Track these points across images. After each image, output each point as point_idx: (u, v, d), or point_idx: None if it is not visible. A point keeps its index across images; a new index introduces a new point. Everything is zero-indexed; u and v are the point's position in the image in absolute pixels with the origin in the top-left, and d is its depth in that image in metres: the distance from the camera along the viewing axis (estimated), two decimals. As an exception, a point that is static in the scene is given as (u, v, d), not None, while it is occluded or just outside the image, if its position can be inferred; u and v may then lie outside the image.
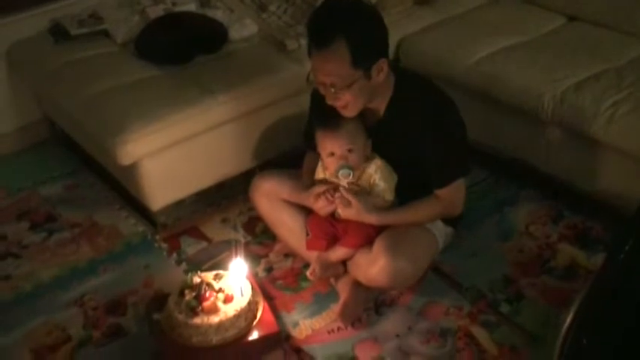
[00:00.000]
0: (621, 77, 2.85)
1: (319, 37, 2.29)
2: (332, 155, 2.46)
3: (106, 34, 3.45)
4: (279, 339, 2.39)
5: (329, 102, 2.38)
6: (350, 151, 2.44)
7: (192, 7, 3.50)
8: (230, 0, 3.56)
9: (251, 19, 3.45)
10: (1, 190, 3.47)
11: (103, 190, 3.41)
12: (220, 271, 2.47)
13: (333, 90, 2.33)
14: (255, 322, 2.36)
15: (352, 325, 2.58)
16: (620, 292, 2.04)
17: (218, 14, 3.42)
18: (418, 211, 2.54)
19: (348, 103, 2.37)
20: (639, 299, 2.01)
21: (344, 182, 2.45)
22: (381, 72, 2.35)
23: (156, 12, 3.43)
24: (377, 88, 2.39)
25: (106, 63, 3.26)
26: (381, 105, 2.46)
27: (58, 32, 3.47)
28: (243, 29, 3.36)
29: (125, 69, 3.19)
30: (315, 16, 2.36)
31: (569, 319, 2.06)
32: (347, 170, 2.43)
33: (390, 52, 3.28)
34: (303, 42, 3.21)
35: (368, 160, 2.50)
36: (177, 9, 3.47)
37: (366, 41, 2.29)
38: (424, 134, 2.41)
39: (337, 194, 2.46)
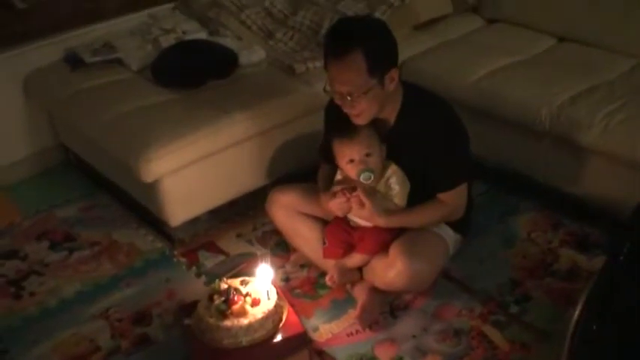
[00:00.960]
0: (613, 90, 3.05)
1: (337, 48, 2.46)
2: (351, 162, 2.61)
3: (119, 62, 3.60)
4: (304, 339, 2.52)
5: (345, 110, 2.54)
6: (368, 155, 2.59)
7: (202, 36, 3.67)
8: (238, 29, 3.73)
9: (259, 45, 3.62)
10: (19, 212, 3.58)
11: (119, 210, 3.53)
12: (246, 277, 2.60)
13: (349, 98, 2.49)
14: (281, 324, 2.48)
15: (370, 327, 2.71)
16: (623, 286, 2.20)
17: (227, 42, 3.59)
18: (423, 214, 2.68)
19: (363, 111, 2.53)
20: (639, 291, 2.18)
21: (365, 184, 2.59)
22: (393, 81, 2.52)
23: (168, 40, 3.60)
24: (388, 96, 2.56)
25: (123, 88, 3.41)
26: (391, 114, 2.63)
27: (73, 61, 3.61)
28: (252, 55, 3.53)
29: (142, 94, 3.34)
30: (333, 31, 2.54)
31: (578, 310, 2.22)
32: (368, 173, 2.57)
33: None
34: (311, 65, 3.40)
35: (384, 165, 2.65)
36: (188, 37, 3.64)
37: (380, 51, 2.47)
38: (430, 141, 2.57)
39: (355, 193, 2.59)
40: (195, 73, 3.36)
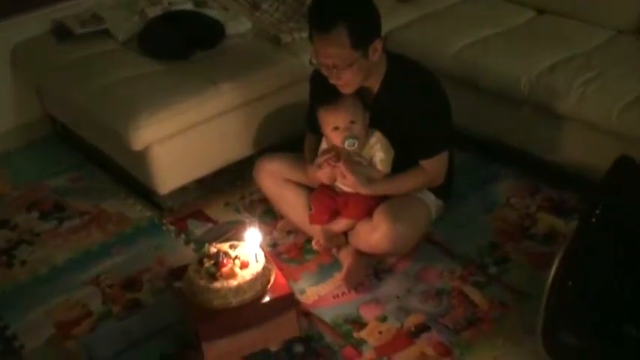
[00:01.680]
0: (590, 60, 3.13)
1: (321, 23, 2.52)
2: (336, 129, 2.68)
3: (107, 33, 3.64)
4: (292, 300, 2.59)
5: (331, 81, 2.61)
6: (352, 122, 2.66)
7: (188, 7, 3.71)
8: (224, 0, 3.77)
9: (245, 16, 3.67)
10: (8, 183, 3.63)
11: (108, 181, 3.59)
12: (235, 242, 2.67)
13: (335, 70, 2.56)
14: (269, 286, 2.56)
15: (355, 289, 2.80)
16: (595, 247, 2.30)
17: (213, 13, 3.64)
18: (405, 181, 2.77)
19: (348, 82, 2.61)
20: (610, 250, 2.27)
21: (350, 151, 2.67)
22: (377, 51, 2.59)
23: (154, 12, 3.64)
24: (373, 66, 2.63)
25: (111, 59, 3.46)
26: (375, 83, 2.70)
27: (62, 32, 3.65)
28: (238, 26, 3.58)
29: (129, 64, 3.39)
30: (316, 4, 2.60)
31: (553, 269, 2.32)
32: (352, 140, 2.65)
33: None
34: (297, 36, 3.46)
35: (368, 133, 2.73)
36: (174, 8, 3.68)
37: (364, 24, 2.54)
38: (413, 109, 2.65)
39: (338, 164, 2.67)
40: (182, 44, 3.41)
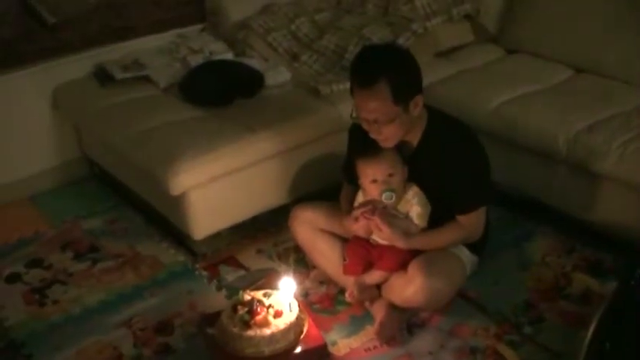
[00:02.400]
0: (629, 120, 3.13)
1: (364, 77, 2.55)
2: (374, 182, 2.69)
3: (147, 79, 3.71)
4: (324, 351, 2.58)
5: (372, 136, 2.63)
6: (391, 175, 2.68)
7: (229, 56, 3.78)
8: (264, 50, 3.84)
9: (284, 67, 3.72)
10: (44, 222, 3.68)
11: (143, 224, 3.62)
12: (269, 290, 2.67)
13: (376, 125, 2.58)
14: (302, 336, 2.55)
15: (387, 343, 2.78)
16: (634, 309, 2.27)
17: (253, 63, 3.70)
18: (442, 236, 2.76)
19: (389, 137, 2.63)
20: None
21: (386, 204, 2.68)
22: (417, 106, 2.62)
23: (196, 60, 3.71)
24: (413, 120, 2.65)
25: (151, 104, 3.52)
26: (415, 137, 2.72)
27: (103, 76, 3.73)
28: (277, 76, 3.63)
29: (170, 110, 3.45)
30: (358, 59, 2.63)
31: (590, 331, 2.29)
32: (390, 193, 2.67)
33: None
34: (335, 88, 3.49)
35: (406, 187, 2.74)
36: (215, 58, 3.75)
37: (405, 80, 2.57)
38: (452, 164, 2.65)
39: (374, 217, 2.67)
40: (223, 92, 3.47)
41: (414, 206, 2.72)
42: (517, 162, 3.34)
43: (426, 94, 3.49)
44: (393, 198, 2.67)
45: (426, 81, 3.54)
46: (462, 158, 2.67)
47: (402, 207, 2.74)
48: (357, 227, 2.76)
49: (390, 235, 2.68)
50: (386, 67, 2.53)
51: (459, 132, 2.73)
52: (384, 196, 2.67)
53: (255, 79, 3.54)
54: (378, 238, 2.78)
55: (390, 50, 2.75)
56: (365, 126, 2.63)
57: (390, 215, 2.70)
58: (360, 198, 2.82)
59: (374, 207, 2.69)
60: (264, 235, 3.45)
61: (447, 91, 3.56)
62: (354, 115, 2.65)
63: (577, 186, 3.16)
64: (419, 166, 2.73)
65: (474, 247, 2.87)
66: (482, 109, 3.39)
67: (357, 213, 2.74)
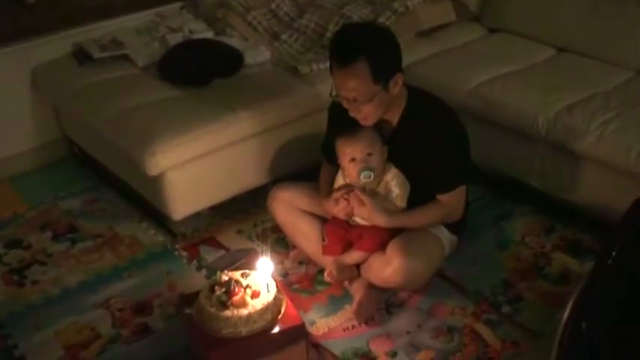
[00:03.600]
0: (608, 100, 3.13)
1: (342, 57, 2.53)
2: (353, 161, 2.68)
3: (126, 58, 3.68)
4: (302, 331, 2.57)
5: (351, 114, 2.62)
6: (369, 154, 2.67)
7: (209, 35, 3.75)
8: (244, 29, 3.81)
9: (264, 46, 3.69)
10: (23, 203, 3.65)
11: (122, 204, 3.60)
12: (247, 270, 2.66)
13: (355, 103, 2.57)
14: (280, 316, 2.54)
15: (366, 322, 2.78)
16: (610, 289, 2.27)
17: (233, 42, 3.67)
18: (423, 215, 2.76)
19: (368, 115, 2.62)
20: (625, 293, 2.25)
21: (364, 183, 2.68)
22: (397, 85, 2.60)
23: (175, 39, 3.68)
24: (393, 99, 2.64)
25: (129, 84, 3.49)
26: (394, 116, 2.71)
27: (81, 55, 3.69)
28: (257, 55, 3.60)
29: (148, 89, 3.42)
30: (338, 38, 2.62)
31: (568, 310, 2.29)
32: (368, 172, 2.65)
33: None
34: (315, 67, 3.47)
35: (385, 168, 2.73)
36: (195, 37, 3.72)
37: (385, 58, 2.55)
38: (432, 143, 2.65)
39: (353, 192, 2.68)
40: (202, 71, 3.44)
41: (394, 187, 2.72)
42: (497, 142, 3.33)
43: (407, 74, 3.48)
44: (372, 177, 2.67)
45: (407, 60, 3.54)
46: (442, 137, 2.66)
47: (381, 188, 2.73)
48: (337, 210, 2.75)
49: (371, 209, 2.67)
50: (365, 46, 2.51)
51: (438, 110, 2.72)
52: (362, 174, 2.66)
53: (235, 59, 3.51)
54: (358, 217, 2.77)
55: (369, 28, 2.73)
56: (344, 104, 2.61)
57: (369, 194, 2.70)
58: (339, 178, 2.81)
59: (353, 189, 2.69)
60: (244, 215, 3.44)
61: (427, 71, 3.55)
62: (333, 93, 2.63)
63: (556, 166, 3.16)
64: (399, 145, 2.72)
65: (453, 226, 2.88)
66: (463, 89, 3.38)
67: (336, 195, 2.73)
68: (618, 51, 3.48)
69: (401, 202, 2.73)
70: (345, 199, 2.70)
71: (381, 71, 2.53)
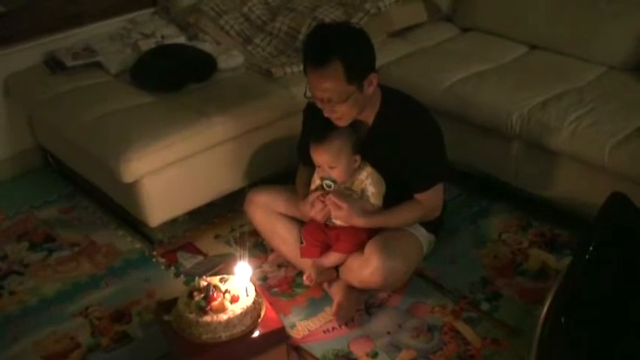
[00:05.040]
0: (582, 96, 3.15)
1: (316, 57, 2.53)
2: (319, 167, 2.72)
3: (99, 65, 3.65)
4: (282, 334, 2.57)
5: (325, 114, 2.62)
6: (332, 167, 2.69)
7: (181, 40, 3.74)
8: (217, 34, 3.79)
9: (237, 50, 3.69)
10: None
11: (98, 212, 3.58)
12: (225, 275, 2.65)
13: (329, 104, 2.57)
14: (260, 320, 2.54)
15: (346, 324, 2.78)
16: (588, 284, 2.29)
17: (206, 46, 3.66)
18: (401, 214, 2.76)
19: (343, 115, 2.62)
20: (603, 287, 2.26)
21: (327, 191, 2.71)
22: (372, 85, 2.61)
23: (148, 44, 3.66)
24: (367, 99, 2.64)
25: (103, 91, 3.46)
26: (369, 116, 2.71)
27: (54, 64, 3.66)
28: (230, 60, 3.59)
29: (121, 96, 3.40)
30: (311, 39, 2.62)
31: (546, 305, 2.30)
32: (328, 182, 2.70)
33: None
34: (288, 70, 3.48)
35: (359, 168, 2.73)
36: (167, 42, 3.70)
37: (358, 59, 2.55)
38: (407, 142, 2.66)
39: (328, 197, 2.68)
40: (174, 77, 3.42)
41: (368, 186, 2.72)
42: (471, 140, 3.35)
43: (381, 75, 3.48)
44: (332, 187, 2.70)
45: (380, 61, 3.57)
46: (418, 136, 2.67)
47: (356, 187, 2.74)
48: (314, 212, 2.75)
49: (349, 212, 2.67)
50: (339, 46, 2.51)
51: (413, 109, 2.73)
52: (324, 182, 2.70)
53: (208, 63, 3.50)
54: (336, 219, 2.77)
55: (343, 29, 2.72)
56: (319, 104, 2.61)
57: (344, 196, 2.70)
58: (316, 179, 2.81)
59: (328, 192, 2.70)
60: (222, 220, 3.43)
61: (400, 71, 3.56)
62: (308, 94, 2.63)
63: (531, 163, 3.18)
64: (375, 144, 2.73)
65: (430, 225, 2.89)
66: (436, 88, 3.39)
67: (312, 198, 2.74)
68: (590, 47, 3.51)
69: (376, 201, 2.74)
70: (322, 202, 2.70)
71: (355, 71, 2.53)
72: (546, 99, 3.16)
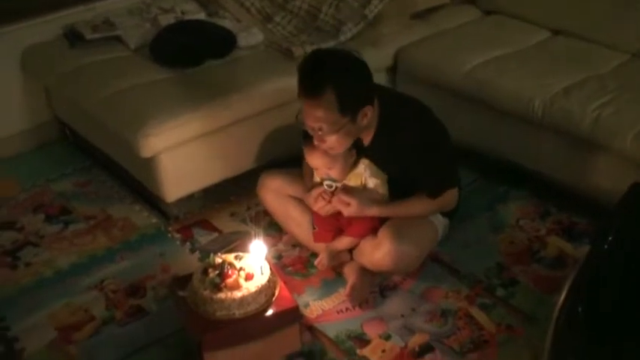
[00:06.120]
0: (605, 83, 3.11)
1: (309, 86, 2.47)
2: (317, 169, 2.73)
3: (118, 39, 3.64)
4: (296, 313, 2.57)
5: (316, 143, 2.58)
6: (329, 169, 2.68)
7: (201, 17, 3.71)
8: (237, 11, 3.77)
9: (257, 28, 3.66)
10: (15, 185, 3.62)
11: (115, 186, 3.58)
12: (240, 253, 2.65)
13: (320, 133, 2.53)
14: (274, 298, 2.53)
15: (360, 305, 2.78)
16: (606, 273, 2.27)
17: (226, 23, 3.63)
18: (415, 206, 2.74)
19: (333, 147, 2.58)
20: (622, 278, 2.24)
21: (329, 191, 2.71)
22: (366, 117, 2.54)
23: (167, 20, 3.64)
24: (362, 129, 2.60)
25: (121, 66, 3.45)
26: (367, 137, 2.68)
27: (73, 36, 3.64)
28: (250, 37, 3.57)
29: (140, 71, 3.38)
30: (306, 65, 2.52)
31: (563, 294, 2.28)
32: (330, 182, 2.70)
33: (387, 61, 3.54)
34: (308, 49, 3.44)
35: (356, 162, 2.71)
36: (187, 18, 3.68)
37: (353, 92, 2.48)
38: (410, 157, 2.62)
39: (335, 198, 2.67)
40: (193, 53, 3.40)
41: (369, 179, 2.71)
42: (492, 125, 3.32)
43: (400, 56, 3.52)
44: (334, 186, 2.70)
45: (401, 42, 3.58)
46: (421, 150, 2.62)
47: (355, 180, 2.73)
48: (317, 208, 2.76)
49: (359, 207, 2.66)
50: (334, 77, 2.44)
51: (413, 121, 2.65)
52: (325, 184, 2.70)
53: (227, 40, 3.48)
54: (348, 215, 2.73)
55: (340, 58, 2.56)
56: (310, 132, 2.58)
57: (349, 191, 2.69)
58: (316, 178, 2.81)
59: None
60: (238, 198, 3.42)
61: (421, 53, 3.53)
62: (300, 117, 2.57)
63: (552, 149, 3.15)
64: (376, 162, 2.72)
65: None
66: (457, 72, 3.35)
67: (315, 193, 2.74)
68: (614, 33, 3.47)
69: (382, 189, 2.73)
70: (324, 199, 2.70)
71: (349, 104, 2.46)
72: (569, 85, 3.12)
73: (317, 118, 2.48)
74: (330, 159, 2.65)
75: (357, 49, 2.63)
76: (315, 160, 2.69)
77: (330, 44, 3.49)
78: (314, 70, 2.48)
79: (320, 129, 2.51)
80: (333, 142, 2.54)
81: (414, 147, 2.61)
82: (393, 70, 3.66)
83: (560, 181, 3.18)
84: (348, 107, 2.47)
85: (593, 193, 3.04)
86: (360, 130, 2.59)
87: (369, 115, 2.55)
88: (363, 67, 2.54)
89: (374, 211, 2.70)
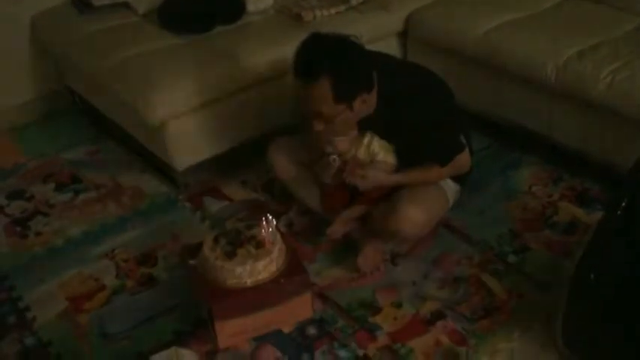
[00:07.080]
0: (618, 48, 3.05)
1: (304, 72, 2.43)
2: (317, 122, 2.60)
3: (126, 5, 3.60)
4: (307, 282, 2.56)
5: (315, 128, 2.54)
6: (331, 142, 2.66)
7: (210, -19, 3.66)
8: (246, -25, 3.71)
9: (267, -7, 3.62)
10: (25, 154, 3.63)
11: (125, 155, 3.57)
12: (251, 221, 2.64)
13: (317, 120, 2.50)
14: (285, 267, 2.53)
15: (371, 273, 2.77)
16: (620, 240, 2.24)
17: (235, -13, 3.59)
18: (431, 172, 2.71)
19: (331, 131, 2.56)
20: (635, 244, 2.21)
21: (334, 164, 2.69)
22: (365, 103, 2.51)
23: (176, -15, 3.59)
24: (361, 115, 2.56)
25: (130, 32, 3.42)
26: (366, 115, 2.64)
27: (81, 3, 3.61)
28: (259, 2, 3.51)
29: (149, 38, 3.35)
30: (302, 50, 2.48)
31: (576, 260, 2.27)
32: (334, 157, 2.68)
33: (398, 26, 3.49)
34: (318, 13, 3.41)
35: (360, 135, 2.68)
36: (196, -18, 3.63)
37: (349, 79, 2.43)
38: (413, 133, 2.59)
39: (348, 173, 2.64)
40: (202, 18, 3.37)
41: (377, 150, 2.67)
42: (504, 89, 3.27)
43: (412, 20, 3.46)
44: (337, 161, 2.67)
45: (413, 6, 3.52)
46: (424, 126, 2.58)
47: (362, 153, 2.69)
48: (324, 177, 2.75)
49: (376, 177, 2.64)
50: (329, 64, 2.39)
51: (416, 99, 2.59)
52: (330, 159, 2.67)
53: (236, 5, 3.44)
54: (363, 188, 2.71)
55: (338, 46, 2.47)
56: (307, 115, 2.54)
57: (360, 165, 2.67)
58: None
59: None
60: (248, 166, 3.40)
61: (433, 17, 3.48)
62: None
63: (565, 114, 3.10)
64: (377, 132, 2.68)
65: (456, 176, 2.83)
66: (469, 36, 3.30)
67: (329, 172, 2.72)
68: (628, -3, 3.40)
69: (391, 159, 2.70)
70: (329, 164, 2.69)
71: (345, 92, 2.43)
72: (582, 49, 3.07)
73: (312, 102, 2.46)
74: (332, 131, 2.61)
75: (357, 36, 2.52)
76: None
77: (340, 9, 3.45)
78: (310, 55, 2.44)
79: (316, 114, 2.48)
80: (330, 128, 2.53)
81: (417, 124, 2.58)
82: (404, 34, 3.61)
83: (572, 147, 3.14)
84: (344, 95, 2.43)
85: (606, 159, 3.01)
86: (358, 116, 2.56)
87: (367, 103, 2.52)
88: (361, 54, 2.49)
89: (394, 179, 2.68)
